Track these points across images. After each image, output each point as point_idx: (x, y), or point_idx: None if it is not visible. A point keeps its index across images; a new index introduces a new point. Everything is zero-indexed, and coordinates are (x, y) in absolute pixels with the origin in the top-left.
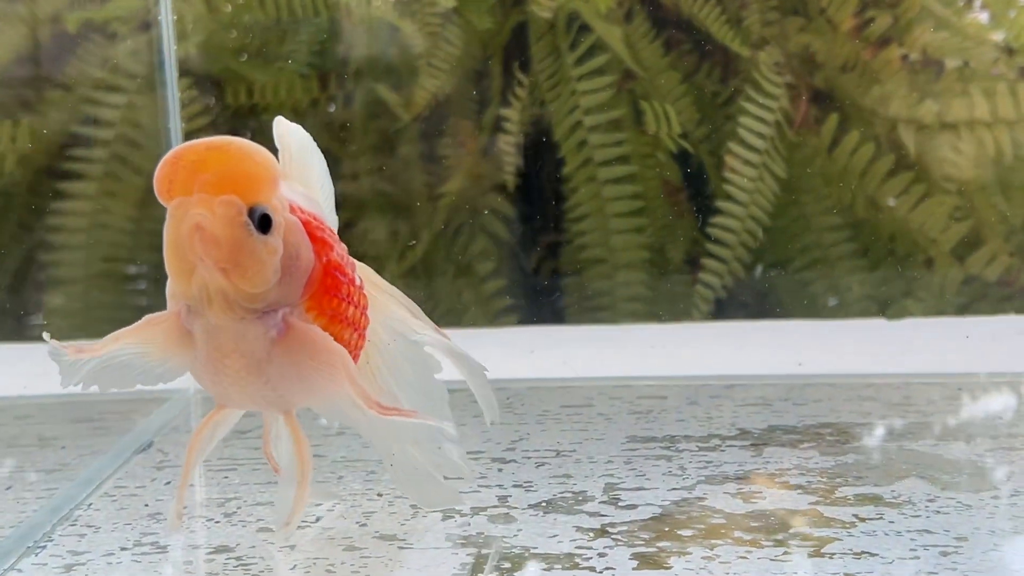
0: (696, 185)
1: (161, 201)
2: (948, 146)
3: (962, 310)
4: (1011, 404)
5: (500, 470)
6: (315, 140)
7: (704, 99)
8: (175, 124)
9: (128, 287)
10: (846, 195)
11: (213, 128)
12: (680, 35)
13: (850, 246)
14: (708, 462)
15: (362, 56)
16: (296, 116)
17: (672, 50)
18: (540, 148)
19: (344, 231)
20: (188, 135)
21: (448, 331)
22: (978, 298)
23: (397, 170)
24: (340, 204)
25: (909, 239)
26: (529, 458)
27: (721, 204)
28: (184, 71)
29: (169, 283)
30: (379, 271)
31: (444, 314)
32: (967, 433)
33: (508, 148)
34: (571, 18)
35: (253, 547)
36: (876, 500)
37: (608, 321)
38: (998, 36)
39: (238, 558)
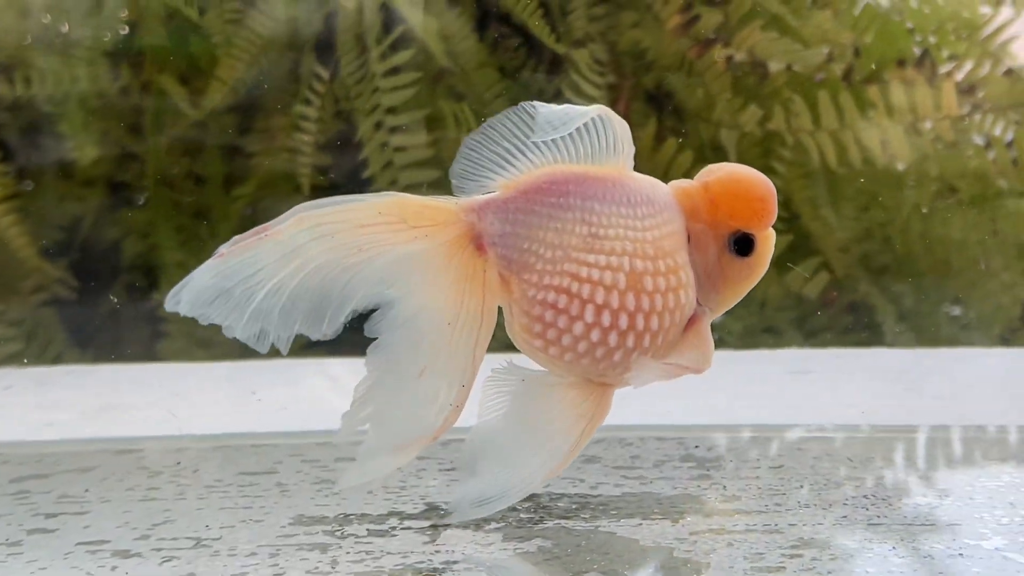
0: None
1: (751, 228)
2: (770, 154)
3: (780, 334)
4: (745, 467)
5: (114, 568)
6: (107, 133)
7: (526, 97)
8: None
9: None
10: None
11: None
12: (506, 29)
13: None
14: (368, 554)
15: (157, 45)
16: (83, 108)
17: (499, 45)
18: (344, 148)
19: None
20: None
21: None
22: (799, 317)
23: (198, 169)
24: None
25: None
26: (159, 550)
27: None
28: None
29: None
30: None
31: None
32: (679, 509)
33: (305, 148)
34: (384, 7)
35: None
36: None
37: None
38: (847, 38)
39: None
